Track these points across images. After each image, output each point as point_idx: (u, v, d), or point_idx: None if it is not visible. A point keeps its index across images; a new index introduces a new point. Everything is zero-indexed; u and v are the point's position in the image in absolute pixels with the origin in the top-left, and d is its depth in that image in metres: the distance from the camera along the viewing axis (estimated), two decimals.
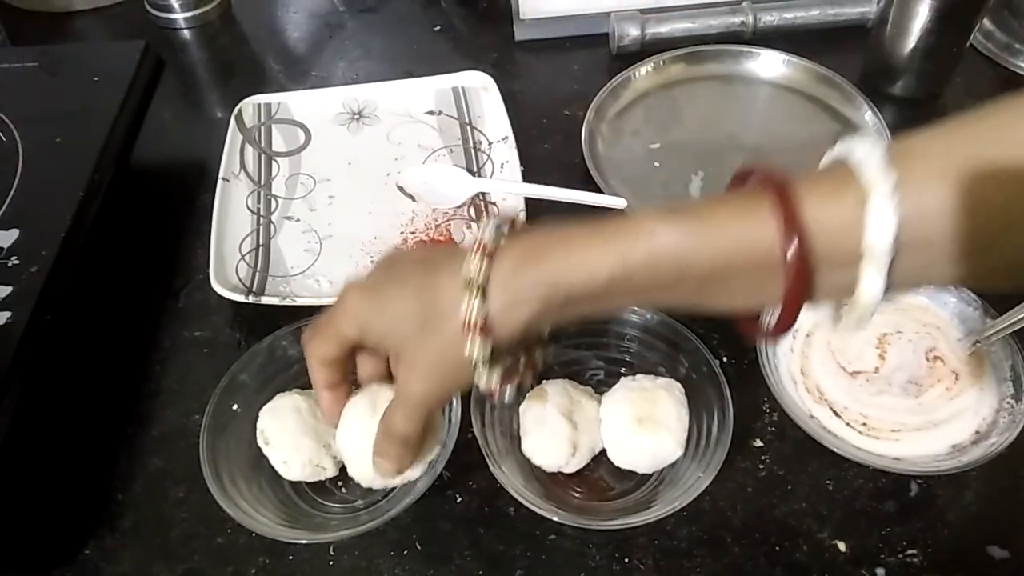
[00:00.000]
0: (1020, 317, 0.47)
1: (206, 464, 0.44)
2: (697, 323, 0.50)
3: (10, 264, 0.50)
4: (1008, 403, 0.48)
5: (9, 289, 0.48)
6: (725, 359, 0.52)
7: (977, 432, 0.47)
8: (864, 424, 0.48)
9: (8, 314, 0.47)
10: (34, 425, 0.46)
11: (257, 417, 0.47)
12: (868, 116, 0.66)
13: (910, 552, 0.45)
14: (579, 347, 0.51)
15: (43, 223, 0.52)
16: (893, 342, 0.51)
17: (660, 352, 0.50)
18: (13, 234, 0.51)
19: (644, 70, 0.70)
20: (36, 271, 0.49)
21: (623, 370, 0.50)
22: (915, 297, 0.53)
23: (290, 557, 0.46)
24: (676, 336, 0.49)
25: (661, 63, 0.70)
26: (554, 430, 0.46)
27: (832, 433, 0.48)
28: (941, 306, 0.52)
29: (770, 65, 0.70)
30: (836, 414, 0.49)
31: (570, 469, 0.47)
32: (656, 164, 0.65)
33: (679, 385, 0.47)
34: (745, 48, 0.71)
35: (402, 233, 0.61)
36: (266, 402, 0.48)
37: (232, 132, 0.67)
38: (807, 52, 0.71)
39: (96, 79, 0.62)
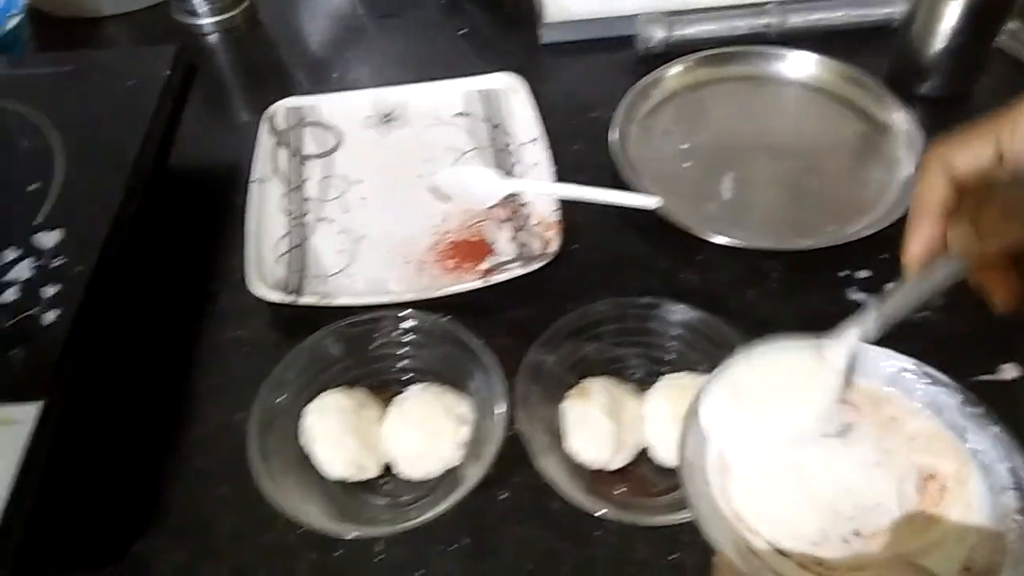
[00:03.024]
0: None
1: (256, 460, 0.44)
2: (736, 321, 0.50)
3: (55, 264, 0.50)
4: (1016, 521, 0.34)
5: (58, 288, 0.49)
6: None
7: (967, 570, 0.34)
8: None
9: (56, 312, 0.47)
10: (81, 424, 0.46)
11: (301, 415, 0.48)
12: (898, 116, 0.66)
13: None
14: (620, 344, 0.51)
15: (86, 224, 0.52)
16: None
17: (700, 350, 0.50)
18: (57, 235, 0.52)
19: (674, 71, 0.70)
20: (81, 271, 0.50)
21: (664, 368, 0.51)
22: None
23: (338, 552, 0.46)
24: (717, 333, 0.49)
25: (690, 64, 0.71)
26: (598, 427, 0.46)
27: None
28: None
29: (799, 65, 0.71)
30: None
31: (614, 466, 0.47)
32: (686, 164, 0.66)
33: None
34: (773, 49, 0.71)
35: (435, 233, 0.62)
36: (310, 400, 0.48)
37: (264, 135, 0.67)
38: (832, 53, 0.72)
39: (131, 83, 0.62)
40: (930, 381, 0.38)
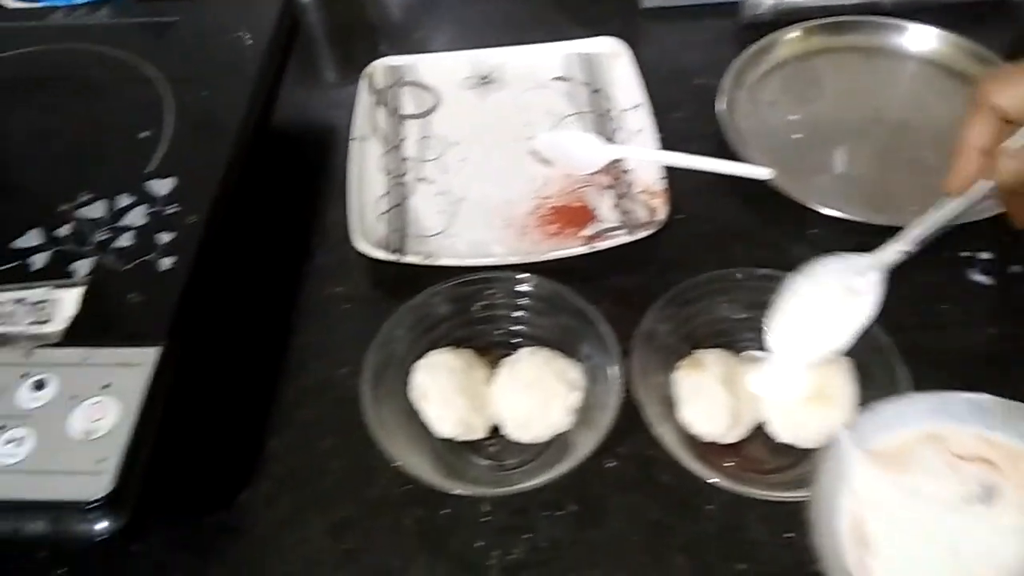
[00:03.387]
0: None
1: (369, 411, 0.44)
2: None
3: (169, 211, 0.50)
4: None
5: (171, 236, 0.49)
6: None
7: None
8: None
9: (172, 259, 0.48)
10: (195, 371, 0.46)
11: (409, 372, 0.47)
12: None
13: None
14: (735, 316, 0.50)
15: (198, 173, 0.52)
16: None
17: None
18: (170, 183, 0.52)
19: (788, 36, 0.68)
20: (195, 220, 0.50)
21: None
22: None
23: (445, 511, 0.45)
24: None
25: (805, 31, 0.68)
26: (714, 399, 0.45)
27: None
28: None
29: (917, 39, 0.68)
30: None
31: (729, 439, 0.46)
32: (796, 136, 0.64)
33: (849, 360, 0.45)
34: (891, 20, 0.68)
35: (536, 198, 0.61)
36: (417, 358, 0.48)
37: (364, 93, 0.67)
38: (947, 26, 0.69)
39: (238, 35, 0.62)
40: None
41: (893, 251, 0.46)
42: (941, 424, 0.38)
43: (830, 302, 0.45)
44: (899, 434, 0.38)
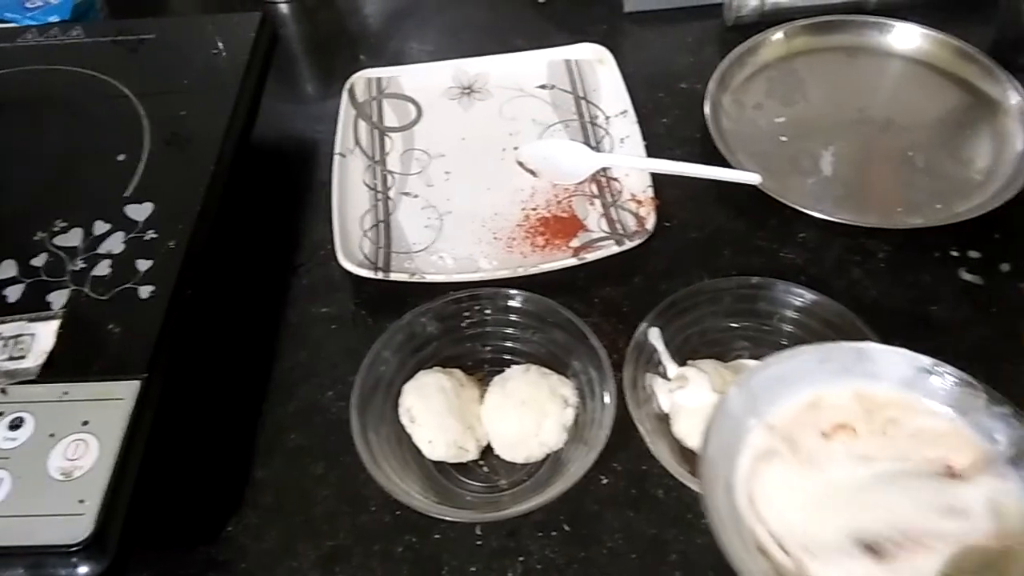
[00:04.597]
0: None
1: (358, 438, 0.43)
2: (844, 301, 0.47)
3: (147, 238, 0.49)
4: None
5: (149, 263, 0.48)
6: None
7: None
8: None
9: (151, 288, 0.46)
10: (179, 401, 0.45)
11: (399, 394, 0.47)
12: (1008, 90, 0.63)
13: None
14: (729, 326, 0.49)
15: (177, 197, 0.51)
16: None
17: (814, 332, 0.47)
18: (148, 208, 0.51)
19: (773, 38, 0.67)
20: (175, 245, 0.49)
21: (774, 351, 0.48)
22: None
23: (437, 536, 0.45)
24: (834, 315, 0.47)
25: (789, 32, 0.67)
26: (708, 411, 0.44)
27: None
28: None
29: (902, 37, 0.67)
30: None
31: None
32: (783, 138, 0.63)
33: None
34: (874, 19, 0.68)
35: (523, 209, 0.60)
36: (406, 379, 0.47)
37: (345, 107, 0.66)
38: (931, 23, 0.68)
39: (215, 51, 0.61)
40: (955, 381, 0.38)
41: None
42: (823, 384, 0.40)
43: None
44: (787, 404, 0.40)
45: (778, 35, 0.67)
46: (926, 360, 0.40)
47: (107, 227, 0.50)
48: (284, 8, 0.82)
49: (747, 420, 0.39)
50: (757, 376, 0.40)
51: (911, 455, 0.37)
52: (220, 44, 0.62)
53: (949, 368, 0.39)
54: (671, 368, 0.46)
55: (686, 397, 0.45)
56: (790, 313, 0.48)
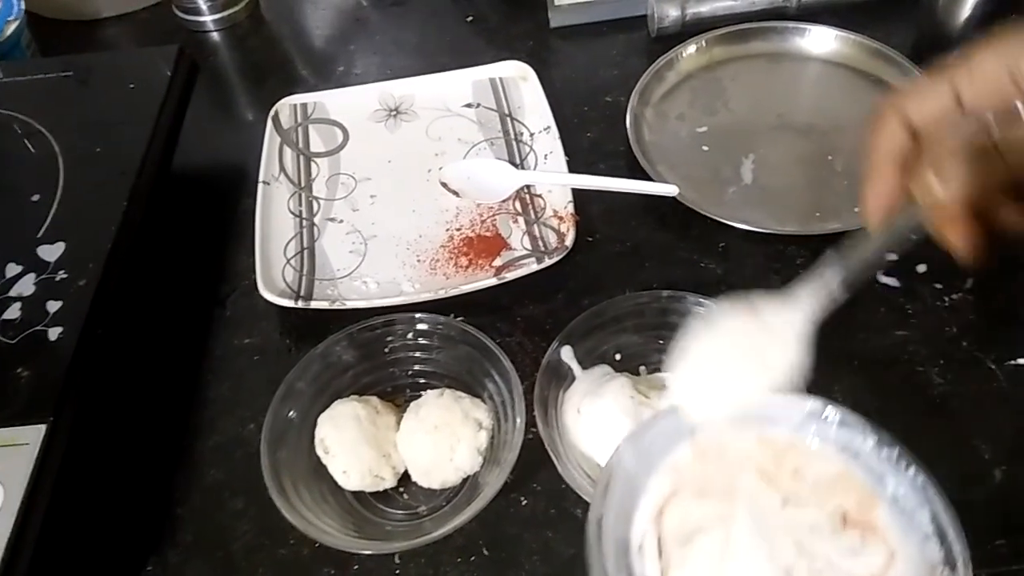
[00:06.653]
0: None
1: (268, 476, 0.43)
2: None
3: (58, 278, 0.49)
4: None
5: (59, 304, 0.47)
6: None
7: None
8: None
9: (60, 329, 0.46)
10: (90, 441, 0.45)
11: (315, 425, 0.46)
12: None
13: None
14: (642, 341, 0.49)
15: (88, 235, 0.51)
16: None
17: None
18: (59, 248, 0.51)
19: (689, 51, 0.68)
20: (85, 284, 0.48)
21: None
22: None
23: (356, 567, 0.44)
24: None
25: (705, 43, 0.68)
26: (618, 429, 0.44)
27: None
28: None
29: (820, 41, 0.68)
30: None
31: None
32: (704, 148, 0.64)
33: None
34: (792, 24, 0.69)
35: (447, 230, 0.60)
36: (323, 409, 0.47)
37: (270, 134, 0.66)
38: (853, 26, 0.69)
39: (132, 86, 0.61)
40: (842, 424, 0.36)
41: (815, 302, 0.38)
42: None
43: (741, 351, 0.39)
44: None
45: (694, 46, 0.68)
46: (820, 402, 0.36)
47: (18, 269, 0.50)
48: (216, 36, 0.82)
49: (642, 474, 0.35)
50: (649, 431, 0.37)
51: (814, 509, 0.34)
52: (138, 78, 0.61)
53: (840, 409, 0.36)
54: (582, 385, 0.47)
55: (595, 415, 0.45)
56: None
